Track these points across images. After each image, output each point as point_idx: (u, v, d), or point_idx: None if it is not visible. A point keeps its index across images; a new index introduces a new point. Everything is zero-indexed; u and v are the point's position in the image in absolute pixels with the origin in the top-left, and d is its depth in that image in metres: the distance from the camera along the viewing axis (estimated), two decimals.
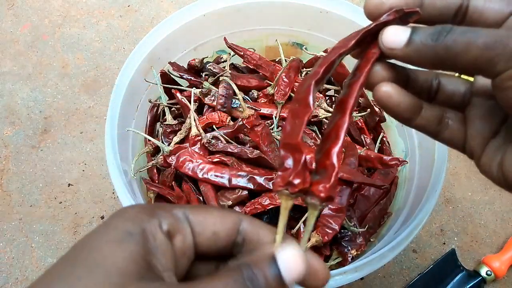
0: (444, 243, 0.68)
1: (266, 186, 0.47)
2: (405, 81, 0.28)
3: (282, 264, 0.20)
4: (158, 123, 0.59)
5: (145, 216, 0.20)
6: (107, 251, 0.19)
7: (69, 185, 0.71)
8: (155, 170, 0.55)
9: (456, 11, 0.26)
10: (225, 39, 0.58)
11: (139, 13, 0.87)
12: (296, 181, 0.21)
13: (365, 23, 0.47)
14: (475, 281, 0.63)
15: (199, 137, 0.51)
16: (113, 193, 0.70)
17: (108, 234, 0.19)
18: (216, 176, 0.48)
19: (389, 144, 0.60)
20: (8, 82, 0.79)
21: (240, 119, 0.51)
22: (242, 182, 0.47)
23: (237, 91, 0.51)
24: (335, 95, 0.60)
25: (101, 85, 0.79)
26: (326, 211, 0.47)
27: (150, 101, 0.57)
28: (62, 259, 0.19)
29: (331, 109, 0.56)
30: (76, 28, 0.86)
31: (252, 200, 0.47)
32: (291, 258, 0.20)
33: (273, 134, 0.51)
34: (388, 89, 0.26)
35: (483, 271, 0.63)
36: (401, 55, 0.24)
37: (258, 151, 0.49)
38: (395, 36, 0.24)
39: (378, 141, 0.58)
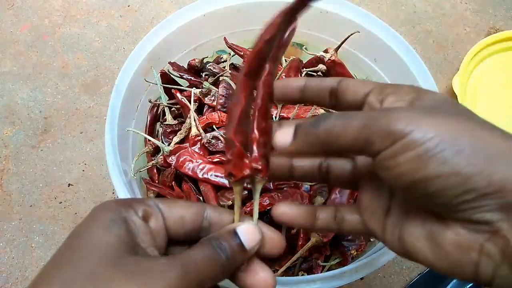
0: None
1: (266, 185, 0.47)
2: (289, 172, 0.31)
3: (241, 235, 0.26)
4: (158, 123, 0.59)
5: (122, 208, 0.25)
6: (99, 236, 0.23)
7: (69, 185, 0.71)
8: (155, 170, 0.54)
9: (330, 93, 0.30)
10: (225, 39, 0.58)
11: (139, 13, 0.87)
12: (234, 172, 0.26)
13: (364, 22, 0.49)
14: None
15: (199, 137, 0.51)
16: (113, 193, 0.70)
17: (95, 224, 0.24)
18: (216, 176, 0.48)
19: None
20: (8, 82, 0.79)
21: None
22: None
23: None
24: None
25: (101, 85, 0.80)
26: None
27: (150, 101, 0.57)
28: (61, 249, 0.23)
29: (330, 110, 0.56)
30: (76, 28, 0.86)
31: (252, 200, 0.47)
32: (247, 230, 0.26)
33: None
34: (283, 209, 0.31)
35: None
36: (293, 150, 0.27)
37: None
38: (282, 138, 0.27)
39: None
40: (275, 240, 0.28)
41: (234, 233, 0.26)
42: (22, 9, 0.87)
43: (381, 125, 0.23)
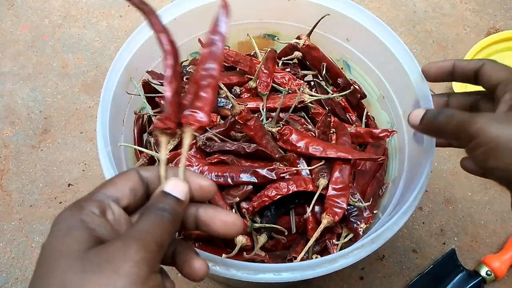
0: (444, 243, 0.68)
1: (270, 177, 0.47)
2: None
3: (171, 191, 0.28)
4: (145, 134, 0.58)
5: (76, 211, 0.26)
6: (60, 245, 0.24)
7: (69, 185, 0.71)
8: None
9: (474, 74, 0.41)
10: (199, 40, 0.57)
11: (139, 13, 0.87)
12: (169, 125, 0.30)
13: (332, 4, 0.59)
14: (475, 281, 0.63)
15: (194, 141, 0.51)
16: None
17: (55, 236, 0.25)
18: (218, 176, 0.48)
19: (373, 118, 0.62)
20: (8, 82, 0.79)
21: (231, 116, 0.50)
22: (245, 177, 0.47)
23: (225, 89, 0.50)
24: (314, 79, 0.61)
25: (101, 85, 0.79)
26: (331, 191, 0.47)
27: (135, 113, 0.56)
28: (35, 269, 0.25)
29: (314, 94, 0.57)
30: (76, 28, 0.86)
31: (258, 194, 0.47)
32: (173, 185, 0.29)
33: (264, 126, 0.52)
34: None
35: (483, 271, 0.63)
36: (419, 129, 0.40)
37: (255, 145, 0.49)
38: (414, 119, 0.40)
39: (364, 117, 0.60)
40: (203, 187, 0.30)
41: (165, 194, 0.28)
42: (22, 9, 0.87)
43: (465, 127, 0.34)
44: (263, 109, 0.54)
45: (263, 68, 0.55)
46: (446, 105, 0.46)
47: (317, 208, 0.49)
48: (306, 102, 0.55)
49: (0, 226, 0.67)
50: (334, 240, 0.49)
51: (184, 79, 0.57)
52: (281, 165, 0.48)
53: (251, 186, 0.48)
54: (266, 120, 0.54)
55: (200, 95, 0.32)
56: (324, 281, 0.65)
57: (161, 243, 0.26)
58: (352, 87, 0.58)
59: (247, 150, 0.49)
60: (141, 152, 0.53)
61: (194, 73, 0.33)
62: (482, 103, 0.43)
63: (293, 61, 0.61)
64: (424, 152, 0.45)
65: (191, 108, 0.32)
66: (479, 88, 0.42)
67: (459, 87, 0.75)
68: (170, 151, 0.52)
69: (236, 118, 0.49)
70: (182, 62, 0.58)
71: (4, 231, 0.67)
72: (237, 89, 0.57)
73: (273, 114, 0.53)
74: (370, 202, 0.51)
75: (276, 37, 0.63)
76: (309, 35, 0.58)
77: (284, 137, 0.51)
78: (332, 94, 0.59)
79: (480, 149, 0.33)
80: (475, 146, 0.34)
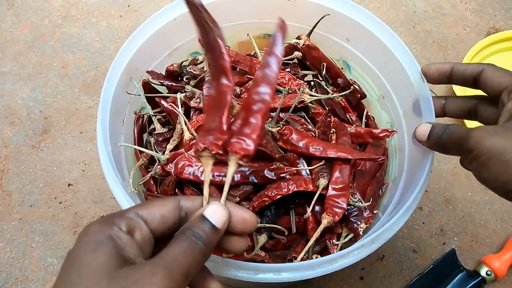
0: (444, 243, 0.68)
1: (270, 177, 0.47)
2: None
3: (210, 217, 0.28)
4: (145, 134, 0.58)
5: (106, 227, 0.26)
6: (89, 259, 0.25)
7: (69, 185, 0.71)
8: (152, 182, 0.54)
9: (473, 79, 0.41)
10: (199, 41, 0.57)
11: (139, 13, 0.87)
12: (213, 145, 0.30)
13: (332, 4, 0.56)
14: (475, 281, 0.63)
15: (194, 141, 0.50)
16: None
17: (84, 248, 0.26)
18: (218, 175, 0.48)
19: (373, 118, 0.62)
20: (8, 82, 0.79)
21: (231, 116, 0.50)
22: (245, 177, 0.47)
23: None
24: (314, 79, 0.61)
25: (101, 85, 0.79)
26: (331, 191, 0.47)
27: (135, 113, 0.56)
28: (58, 278, 0.25)
29: (314, 94, 0.56)
30: (76, 28, 0.86)
31: (258, 194, 0.47)
32: (214, 211, 0.29)
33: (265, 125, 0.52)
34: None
35: (483, 271, 0.63)
36: (426, 145, 0.42)
37: None
38: (421, 135, 0.42)
39: (364, 117, 0.60)
40: (247, 219, 0.30)
41: (203, 218, 0.28)
42: (22, 9, 0.87)
43: (463, 142, 0.35)
44: None
45: None
46: (443, 108, 0.46)
47: (317, 208, 0.49)
48: (306, 102, 0.55)
49: (0, 226, 0.67)
50: (334, 240, 0.49)
51: (184, 79, 0.57)
52: (281, 165, 0.48)
53: (251, 186, 0.48)
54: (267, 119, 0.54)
55: (249, 121, 0.31)
56: (324, 281, 0.65)
57: (188, 274, 0.26)
58: (352, 87, 0.58)
59: None
60: (141, 152, 0.53)
61: (246, 97, 0.32)
62: (480, 107, 0.43)
63: (293, 61, 0.61)
64: (424, 152, 0.45)
65: (239, 135, 0.30)
66: (479, 92, 0.42)
67: (459, 88, 0.75)
68: (170, 151, 0.52)
69: None
70: (182, 62, 0.58)
71: (4, 231, 0.67)
72: (237, 89, 0.57)
73: (273, 114, 0.53)
74: (370, 202, 0.51)
75: None
76: (309, 35, 0.58)
77: (284, 137, 0.51)
78: (332, 94, 0.59)
79: (475, 162, 0.34)
80: (471, 160, 0.35)
